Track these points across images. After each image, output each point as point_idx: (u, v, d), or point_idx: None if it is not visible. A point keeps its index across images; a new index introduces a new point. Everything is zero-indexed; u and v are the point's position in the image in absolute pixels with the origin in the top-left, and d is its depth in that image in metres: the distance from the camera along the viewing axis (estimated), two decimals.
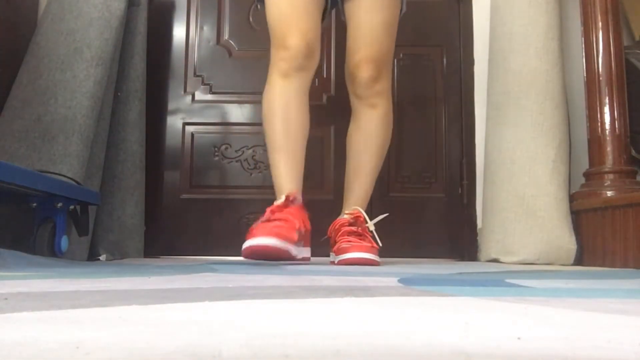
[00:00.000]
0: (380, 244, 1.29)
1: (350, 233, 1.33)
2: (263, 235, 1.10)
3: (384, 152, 1.46)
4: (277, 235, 1.11)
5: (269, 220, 1.18)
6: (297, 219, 1.20)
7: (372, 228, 1.34)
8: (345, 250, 1.29)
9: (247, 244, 1.10)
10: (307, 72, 1.34)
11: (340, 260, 1.28)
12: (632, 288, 0.66)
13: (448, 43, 2.04)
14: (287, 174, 1.29)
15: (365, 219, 1.35)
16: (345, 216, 1.37)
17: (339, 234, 1.35)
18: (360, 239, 1.31)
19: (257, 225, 1.16)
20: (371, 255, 1.25)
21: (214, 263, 1.33)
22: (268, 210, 1.21)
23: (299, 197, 1.27)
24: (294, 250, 1.15)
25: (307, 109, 1.35)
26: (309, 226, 1.26)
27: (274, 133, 1.31)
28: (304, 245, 1.28)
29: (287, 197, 1.23)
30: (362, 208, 1.39)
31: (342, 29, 2.03)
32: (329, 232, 1.39)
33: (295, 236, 1.16)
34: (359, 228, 1.33)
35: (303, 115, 1.33)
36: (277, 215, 1.19)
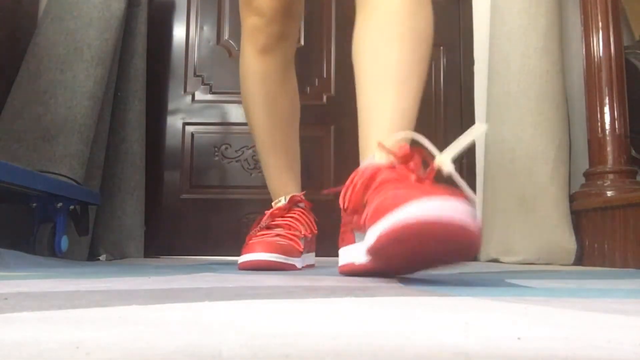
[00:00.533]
0: (474, 195, 0.60)
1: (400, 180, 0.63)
2: (263, 251, 0.93)
3: (426, 46, 0.83)
4: (282, 252, 0.95)
5: (268, 228, 1.01)
6: (303, 224, 1.04)
7: (448, 168, 0.62)
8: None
9: (246, 258, 0.93)
10: (290, 40, 1.07)
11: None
12: (632, 288, 0.66)
13: (448, 43, 2.04)
14: (282, 176, 1.10)
15: (425, 147, 0.64)
16: (378, 160, 0.69)
17: (373, 189, 0.65)
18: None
19: (256, 235, 0.99)
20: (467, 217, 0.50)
21: (214, 263, 1.33)
22: (268, 214, 1.04)
23: (306, 202, 1.09)
24: (300, 263, 1.01)
25: (295, 85, 1.12)
26: (315, 230, 1.08)
27: (259, 128, 1.10)
28: (309, 251, 1.11)
29: (291, 199, 1.05)
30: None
31: (341, 27, 2.03)
32: (342, 196, 0.74)
33: (301, 247, 1.01)
34: (420, 174, 0.63)
35: (291, 100, 1.11)
36: (278, 221, 1.02)
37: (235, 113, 1.99)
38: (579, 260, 1.56)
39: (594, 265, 1.50)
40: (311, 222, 1.07)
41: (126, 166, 1.74)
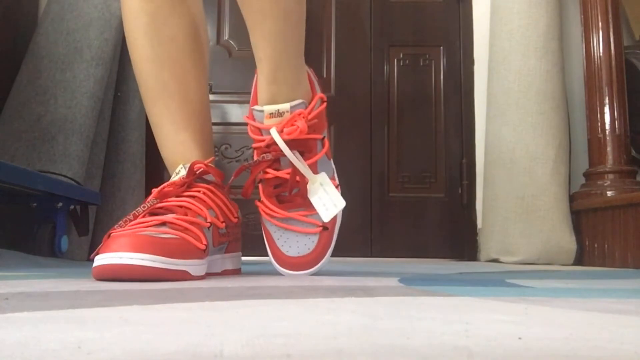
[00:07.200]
0: (326, 217, 0.71)
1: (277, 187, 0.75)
2: (130, 249, 0.57)
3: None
4: (166, 253, 0.59)
5: (152, 213, 0.67)
6: (211, 207, 0.72)
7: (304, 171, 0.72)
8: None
9: (100, 261, 0.58)
10: None
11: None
12: (632, 288, 0.66)
13: (448, 43, 2.04)
14: (178, 134, 0.79)
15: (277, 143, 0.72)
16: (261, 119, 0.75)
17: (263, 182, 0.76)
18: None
19: (126, 223, 0.65)
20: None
21: None
22: (153, 192, 0.69)
23: (216, 172, 0.77)
24: (198, 268, 0.65)
25: (197, 19, 0.85)
26: (236, 218, 0.80)
27: (141, 64, 0.79)
28: (230, 250, 0.81)
29: (191, 168, 0.72)
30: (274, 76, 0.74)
31: (343, 29, 2.03)
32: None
33: (203, 242, 0.65)
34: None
35: (188, 28, 0.83)
36: (170, 202, 0.68)
37: (235, 113, 1.99)
38: (579, 260, 1.57)
39: (594, 265, 1.50)
40: (227, 205, 0.77)
41: (126, 166, 1.74)
